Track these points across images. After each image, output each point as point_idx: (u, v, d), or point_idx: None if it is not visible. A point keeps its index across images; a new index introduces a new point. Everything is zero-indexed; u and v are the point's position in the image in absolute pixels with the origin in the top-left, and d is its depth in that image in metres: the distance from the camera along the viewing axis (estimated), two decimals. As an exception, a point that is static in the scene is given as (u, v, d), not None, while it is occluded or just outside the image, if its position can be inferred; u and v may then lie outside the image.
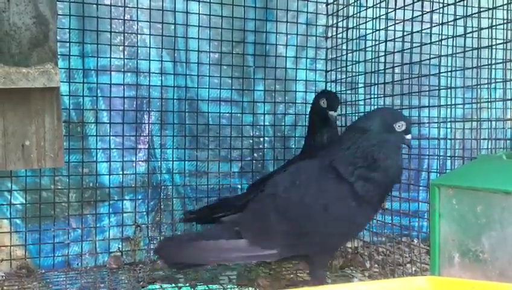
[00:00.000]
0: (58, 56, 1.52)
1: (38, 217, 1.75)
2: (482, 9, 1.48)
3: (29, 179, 1.74)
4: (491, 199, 0.97)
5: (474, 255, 1.00)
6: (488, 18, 1.48)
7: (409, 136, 1.40)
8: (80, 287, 1.58)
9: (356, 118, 2.00)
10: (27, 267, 1.71)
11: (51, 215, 1.76)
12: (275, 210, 1.36)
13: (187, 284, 1.61)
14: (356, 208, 1.31)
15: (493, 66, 1.54)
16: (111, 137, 1.83)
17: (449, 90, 1.77)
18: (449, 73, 1.75)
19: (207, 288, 1.59)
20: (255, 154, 2.03)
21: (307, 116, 2.07)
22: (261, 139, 2.04)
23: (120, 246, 1.85)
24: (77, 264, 1.80)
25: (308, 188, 1.37)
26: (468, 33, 1.53)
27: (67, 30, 1.76)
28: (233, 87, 1.97)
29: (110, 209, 1.84)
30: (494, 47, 1.58)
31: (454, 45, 1.64)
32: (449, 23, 1.57)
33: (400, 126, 1.38)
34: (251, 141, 2.02)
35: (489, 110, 1.64)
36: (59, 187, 1.78)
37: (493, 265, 0.96)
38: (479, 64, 1.58)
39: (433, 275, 1.05)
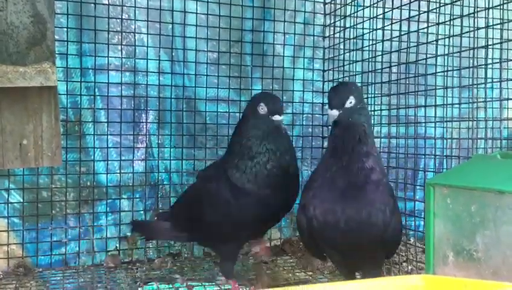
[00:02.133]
0: (56, 55, 1.53)
1: (36, 216, 1.75)
2: (478, 9, 1.48)
3: (27, 178, 1.74)
4: (485, 198, 0.97)
5: (468, 254, 1.00)
6: (485, 18, 1.49)
7: (276, 117, 1.41)
8: (77, 286, 1.59)
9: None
10: (24, 266, 1.72)
11: (48, 214, 1.77)
12: (184, 200, 1.63)
13: (184, 285, 1.61)
14: (231, 197, 1.42)
15: (489, 66, 1.55)
16: (109, 136, 1.84)
17: (446, 89, 1.77)
18: (446, 72, 1.75)
19: (204, 288, 1.59)
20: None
21: (305, 115, 2.09)
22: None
23: (117, 245, 1.86)
24: (74, 263, 1.81)
25: (202, 182, 1.54)
26: (465, 33, 1.54)
27: (65, 29, 1.76)
28: (231, 87, 1.98)
29: (108, 208, 1.85)
30: (490, 47, 1.59)
31: (451, 44, 1.65)
32: (446, 23, 1.58)
33: (262, 108, 1.43)
34: (249, 140, 2.01)
35: (485, 109, 1.64)
36: (57, 186, 1.78)
37: (487, 264, 0.97)
38: (475, 64, 1.58)
39: (427, 273, 1.05)
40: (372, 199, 1.20)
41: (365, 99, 1.48)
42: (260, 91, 1.98)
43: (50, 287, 1.59)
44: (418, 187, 1.89)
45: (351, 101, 1.25)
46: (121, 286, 1.60)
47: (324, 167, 1.27)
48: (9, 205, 1.73)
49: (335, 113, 1.24)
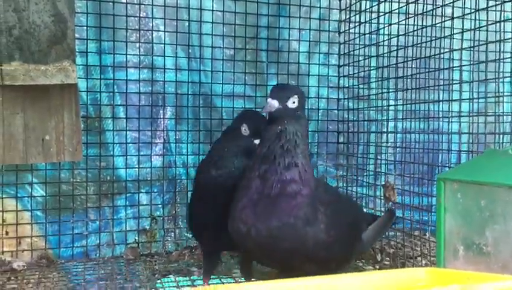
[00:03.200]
0: (77, 53, 1.57)
1: (58, 209, 1.81)
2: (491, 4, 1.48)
3: (49, 173, 1.79)
4: (495, 193, 0.98)
5: (478, 248, 1.01)
6: (501, 11, 1.48)
7: (257, 141, 1.34)
8: (97, 277, 1.63)
9: (370, 112, 2.02)
10: (47, 258, 1.77)
11: (70, 208, 1.82)
12: None
13: (200, 277, 1.65)
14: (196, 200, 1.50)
15: (502, 60, 1.54)
16: (127, 132, 1.88)
17: (461, 84, 1.76)
18: (461, 67, 1.75)
19: (220, 281, 1.62)
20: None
21: (320, 110, 2.10)
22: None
23: (136, 237, 1.90)
24: (95, 255, 1.86)
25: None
26: (482, 26, 1.53)
27: (85, 28, 1.81)
28: (246, 83, 2.00)
29: (127, 202, 1.89)
30: (508, 40, 1.58)
31: (467, 38, 1.64)
32: (465, 17, 1.57)
33: (245, 130, 1.43)
34: (265, 136, 2.04)
35: (497, 104, 1.63)
36: (77, 180, 1.83)
37: (496, 258, 0.98)
38: (492, 58, 1.57)
39: (438, 267, 1.07)
40: (281, 212, 1.16)
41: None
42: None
43: (72, 278, 1.64)
44: (434, 182, 1.89)
45: (294, 101, 1.20)
46: (140, 278, 1.64)
47: (249, 173, 1.23)
48: (32, 198, 1.79)
49: (275, 103, 1.18)
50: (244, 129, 1.44)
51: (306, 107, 2.06)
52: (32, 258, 1.77)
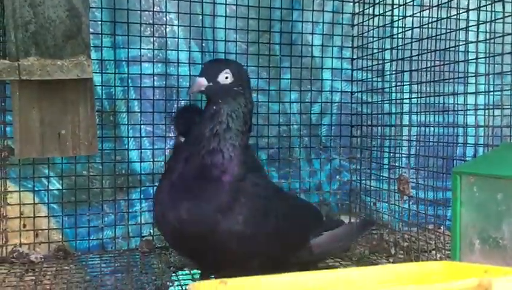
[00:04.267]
0: (91, 47, 1.59)
1: (74, 202, 1.83)
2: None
3: (65, 166, 1.82)
4: (512, 186, 0.97)
5: (495, 241, 1.01)
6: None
7: (181, 139, 1.32)
8: (113, 270, 1.65)
9: (384, 105, 2.01)
10: (64, 250, 1.79)
11: (85, 201, 1.84)
12: None
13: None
14: None
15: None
16: (142, 126, 1.89)
17: (476, 77, 1.75)
18: (477, 60, 1.73)
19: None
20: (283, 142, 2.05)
21: (335, 104, 2.10)
22: (288, 127, 2.06)
23: (151, 230, 1.92)
24: (111, 247, 1.88)
25: None
26: (498, 19, 1.51)
27: (100, 22, 1.82)
28: (260, 76, 2.00)
29: (142, 195, 1.91)
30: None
31: (482, 30, 1.62)
32: (481, 9, 1.55)
33: (173, 129, 1.41)
34: (278, 129, 2.04)
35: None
36: (93, 174, 1.85)
37: (513, 252, 0.97)
38: (510, 51, 1.56)
39: (454, 261, 1.06)
40: (194, 196, 1.12)
41: (252, 90, 1.27)
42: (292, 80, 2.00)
43: (88, 270, 1.66)
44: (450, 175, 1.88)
45: (226, 76, 1.12)
46: (155, 270, 1.66)
47: (176, 155, 1.20)
48: (49, 192, 1.81)
49: (202, 81, 1.12)
50: (172, 129, 1.39)
51: (320, 101, 2.07)
52: (50, 250, 1.80)
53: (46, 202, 1.81)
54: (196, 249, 1.15)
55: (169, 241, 1.25)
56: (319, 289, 0.68)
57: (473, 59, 1.81)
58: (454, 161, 1.70)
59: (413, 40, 1.76)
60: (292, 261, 1.28)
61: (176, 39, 1.91)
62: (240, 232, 1.12)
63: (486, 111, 1.81)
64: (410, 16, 1.75)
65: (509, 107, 1.61)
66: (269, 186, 1.33)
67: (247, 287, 0.71)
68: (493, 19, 1.50)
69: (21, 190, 1.78)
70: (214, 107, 1.15)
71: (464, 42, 1.63)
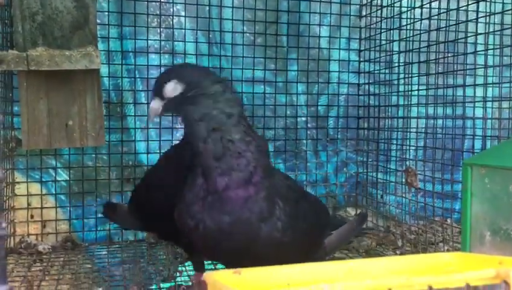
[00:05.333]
0: (98, 38, 1.58)
1: (82, 194, 1.83)
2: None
3: (72, 157, 1.82)
4: (524, 178, 0.97)
5: (506, 233, 1.00)
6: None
7: None
8: (121, 260, 1.66)
9: (392, 97, 2.00)
10: (72, 241, 1.80)
11: (93, 192, 1.84)
12: None
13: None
14: None
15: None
16: (149, 117, 1.88)
17: (485, 69, 1.74)
18: (486, 51, 1.72)
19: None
20: (290, 134, 2.05)
21: (342, 96, 2.09)
22: (295, 119, 2.05)
23: (158, 222, 1.92)
24: (118, 238, 1.88)
25: None
26: (507, 10, 1.50)
27: (107, 13, 1.81)
28: (267, 68, 1.99)
29: (149, 187, 1.91)
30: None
31: (492, 22, 1.61)
32: (490, 1, 1.54)
33: None
34: (285, 121, 2.04)
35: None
36: (100, 165, 1.85)
37: (524, 244, 0.97)
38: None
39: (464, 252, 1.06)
40: (233, 206, 1.03)
41: (214, 85, 1.05)
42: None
43: (96, 261, 1.67)
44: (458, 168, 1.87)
45: (175, 87, 0.99)
46: (162, 261, 1.66)
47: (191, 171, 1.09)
48: (56, 183, 1.82)
49: (154, 104, 0.99)
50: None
51: (327, 92, 2.06)
52: (57, 241, 1.81)
53: (54, 193, 1.82)
54: (232, 257, 1.08)
55: (199, 249, 1.16)
56: (331, 280, 0.68)
57: (482, 50, 1.80)
58: (463, 153, 1.68)
59: (422, 32, 1.75)
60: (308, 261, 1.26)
61: (183, 30, 1.90)
62: (279, 239, 1.06)
63: (495, 103, 1.80)
64: (418, 7, 1.73)
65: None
66: (297, 187, 1.28)
67: (261, 277, 0.71)
68: (502, 10, 1.48)
69: (28, 180, 1.78)
70: (187, 126, 1.02)
71: (473, 34, 1.61)
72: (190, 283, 1.47)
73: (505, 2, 1.51)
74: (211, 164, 1.01)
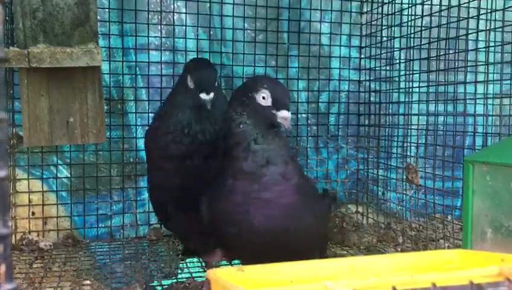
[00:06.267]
0: (99, 35, 1.58)
1: (83, 190, 1.83)
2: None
3: (74, 154, 1.82)
4: (525, 175, 0.97)
5: (507, 230, 1.00)
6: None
7: (203, 96, 1.32)
8: (122, 257, 1.66)
9: (393, 94, 2.00)
10: (73, 238, 1.80)
11: (94, 189, 1.85)
12: None
13: (223, 258, 1.66)
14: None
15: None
16: (149, 114, 1.88)
17: (487, 66, 1.73)
18: (487, 48, 1.71)
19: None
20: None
21: (343, 92, 2.09)
22: (296, 115, 2.05)
23: (160, 218, 1.92)
24: (119, 235, 1.88)
25: None
26: (509, 7, 1.50)
27: (107, 10, 1.81)
28: (268, 64, 1.99)
29: (150, 184, 1.91)
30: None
31: (493, 19, 1.61)
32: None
33: (190, 82, 1.37)
34: (286, 118, 2.03)
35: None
36: (101, 162, 1.85)
37: (526, 241, 0.97)
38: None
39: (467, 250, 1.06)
40: (275, 198, 1.13)
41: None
42: (297, 68, 1.99)
43: (97, 257, 1.67)
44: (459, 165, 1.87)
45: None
46: (164, 258, 1.66)
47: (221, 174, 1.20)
48: (57, 180, 1.82)
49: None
50: (190, 81, 1.37)
51: (328, 89, 2.06)
52: (58, 238, 1.81)
53: (55, 189, 1.82)
54: (283, 247, 1.12)
55: (231, 240, 1.18)
56: (334, 277, 0.68)
57: (483, 47, 1.79)
58: (464, 150, 1.69)
59: (423, 29, 1.74)
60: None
61: (184, 27, 1.90)
62: (308, 232, 1.15)
63: (496, 100, 1.80)
64: (420, 3, 1.73)
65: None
66: (312, 184, 1.36)
67: (264, 274, 0.71)
68: (505, 7, 1.48)
69: (30, 177, 1.79)
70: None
71: (475, 31, 1.61)
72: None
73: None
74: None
